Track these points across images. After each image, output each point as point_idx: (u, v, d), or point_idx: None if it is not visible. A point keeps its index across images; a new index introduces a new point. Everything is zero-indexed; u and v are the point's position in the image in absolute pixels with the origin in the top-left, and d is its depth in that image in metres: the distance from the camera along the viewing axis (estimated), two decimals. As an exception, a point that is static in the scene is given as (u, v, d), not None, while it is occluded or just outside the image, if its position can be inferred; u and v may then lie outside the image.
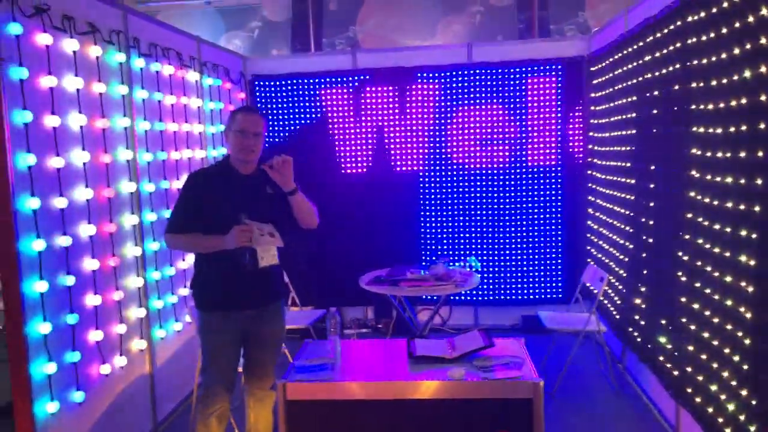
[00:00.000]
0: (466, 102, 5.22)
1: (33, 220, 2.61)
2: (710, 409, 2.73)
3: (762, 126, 2.25)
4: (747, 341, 2.38)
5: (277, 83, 5.38)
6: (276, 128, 5.46)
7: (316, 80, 5.32)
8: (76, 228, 2.92)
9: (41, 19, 2.69)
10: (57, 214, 2.78)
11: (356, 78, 5.29)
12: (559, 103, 5.13)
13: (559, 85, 5.11)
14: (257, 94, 5.41)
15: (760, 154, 2.26)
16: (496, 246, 5.30)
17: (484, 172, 5.28)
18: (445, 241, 5.39)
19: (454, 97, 5.22)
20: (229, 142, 2.78)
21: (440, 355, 2.53)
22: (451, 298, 5.13)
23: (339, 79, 5.31)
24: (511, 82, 5.15)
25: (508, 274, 5.31)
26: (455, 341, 2.68)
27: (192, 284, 2.86)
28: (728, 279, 2.53)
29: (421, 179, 5.35)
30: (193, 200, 2.72)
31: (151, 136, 3.67)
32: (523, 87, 5.15)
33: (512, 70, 5.13)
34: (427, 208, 5.37)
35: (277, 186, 2.78)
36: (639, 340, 3.79)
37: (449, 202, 5.34)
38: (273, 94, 5.40)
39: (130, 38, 3.44)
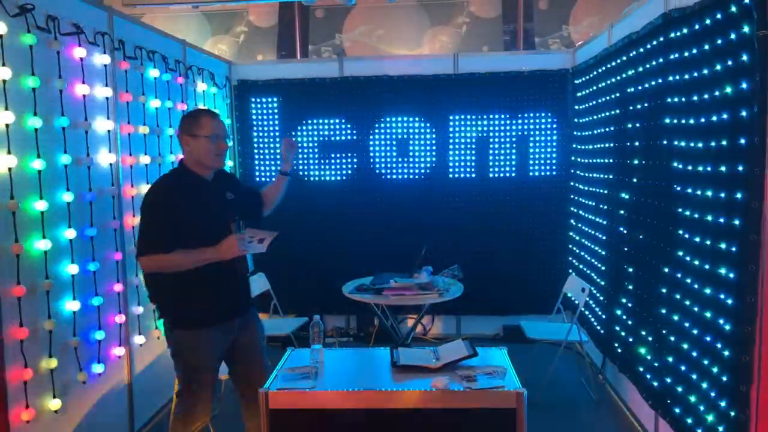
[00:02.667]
0: (451, 111, 5.25)
1: (11, 223, 2.55)
2: (689, 420, 2.76)
3: (742, 141, 2.29)
4: (726, 353, 2.41)
5: (263, 89, 5.36)
6: (261, 134, 5.44)
7: (302, 87, 5.31)
8: (56, 231, 2.87)
9: (25, 19, 2.65)
10: (36, 217, 2.73)
11: (342, 86, 5.30)
12: (541, 115, 5.19)
13: (544, 96, 5.17)
14: (242, 99, 5.38)
15: (741, 168, 2.30)
16: (478, 256, 5.31)
17: (467, 182, 5.30)
18: (428, 250, 5.38)
19: (439, 106, 5.25)
20: (191, 146, 2.65)
21: (424, 365, 2.53)
22: (434, 306, 5.13)
23: (325, 87, 5.31)
24: (498, 93, 5.20)
25: (491, 284, 5.32)
26: (439, 351, 2.67)
27: (165, 304, 2.71)
28: (708, 291, 2.57)
29: (404, 187, 5.36)
30: (170, 216, 2.55)
31: (135, 140, 3.63)
32: (509, 98, 5.20)
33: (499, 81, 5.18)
34: (411, 216, 5.36)
35: (236, 190, 2.87)
36: (619, 350, 3.82)
37: (432, 211, 5.35)
38: (258, 100, 5.38)
39: (115, 41, 3.41)
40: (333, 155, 5.36)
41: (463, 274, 4.34)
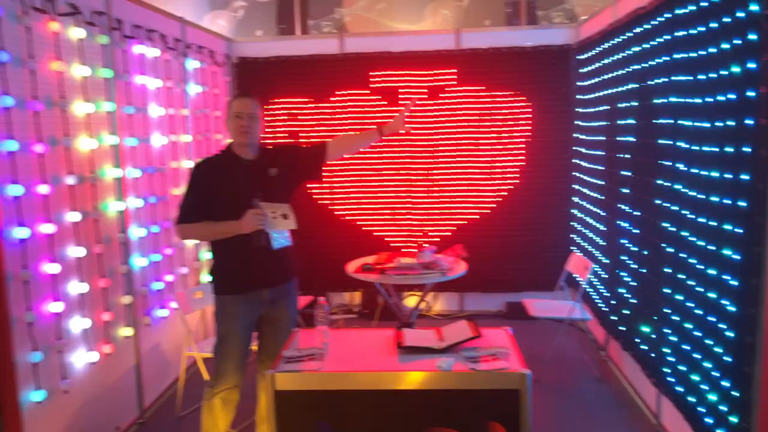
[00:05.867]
0: (450, 87, 5.20)
1: (16, 207, 2.55)
2: (692, 399, 2.79)
3: (749, 122, 2.26)
4: (730, 334, 2.42)
5: (263, 66, 5.30)
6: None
7: (302, 64, 5.25)
8: (59, 215, 2.87)
9: (21, 0, 2.61)
10: (39, 201, 2.73)
11: (343, 63, 5.24)
12: (543, 91, 5.14)
13: (547, 73, 5.11)
14: (242, 77, 5.32)
15: (747, 149, 2.28)
16: (481, 233, 5.32)
17: (469, 159, 5.28)
18: (431, 230, 5.39)
19: (442, 84, 5.20)
20: (228, 128, 2.87)
21: (429, 346, 2.55)
22: (438, 283, 5.16)
23: (326, 64, 5.25)
24: (497, 69, 5.14)
25: (494, 261, 5.34)
26: (443, 331, 2.69)
27: (210, 271, 2.93)
28: (712, 272, 2.57)
29: (403, 165, 5.34)
30: (201, 189, 2.79)
31: (136, 121, 3.60)
32: (507, 73, 5.14)
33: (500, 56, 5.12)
34: (414, 195, 5.36)
35: (280, 167, 2.90)
36: (622, 328, 3.85)
37: (435, 191, 5.34)
38: (258, 78, 5.33)
39: (113, 20, 3.36)
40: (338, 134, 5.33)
41: (467, 253, 4.35)
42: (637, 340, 3.52)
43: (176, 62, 4.16)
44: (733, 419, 2.40)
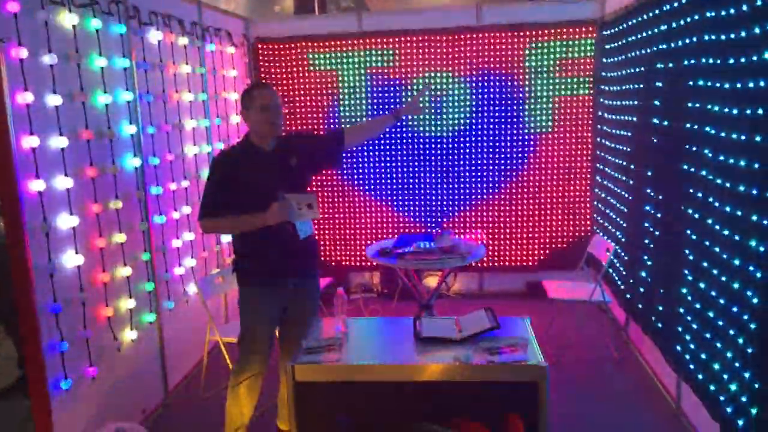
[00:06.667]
0: (472, 65, 5.11)
1: (38, 201, 2.60)
2: (712, 387, 2.77)
3: (779, 110, 2.19)
4: (752, 325, 2.38)
5: (281, 46, 5.26)
6: (279, 93, 5.37)
7: (321, 44, 5.20)
8: (81, 206, 2.91)
9: (38, -6, 2.61)
10: (62, 194, 2.77)
11: (361, 41, 5.17)
12: (566, 69, 5.02)
13: (571, 50, 4.99)
14: (261, 58, 5.29)
15: (776, 138, 2.21)
16: (501, 212, 5.29)
17: (489, 138, 5.21)
18: (451, 210, 5.37)
19: (462, 60, 5.11)
20: (250, 120, 2.82)
21: (447, 337, 2.56)
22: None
23: (344, 43, 5.18)
24: (518, 47, 5.03)
25: (514, 241, 5.32)
26: (462, 321, 2.69)
27: (234, 262, 2.97)
28: (736, 262, 2.52)
29: (430, 145, 5.29)
30: (224, 182, 2.78)
31: (155, 109, 3.62)
32: (528, 50, 5.03)
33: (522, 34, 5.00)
34: (434, 175, 5.32)
35: (299, 156, 2.90)
36: (642, 311, 3.81)
37: (455, 169, 5.29)
38: (277, 58, 5.29)
39: (129, 8, 3.34)
40: (356, 114, 5.29)
41: (486, 235, 4.33)
42: (659, 325, 3.49)
43: (193, 46, 4.14)
44: (753, 410, 2.38)
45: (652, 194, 3.64)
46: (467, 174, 5.28)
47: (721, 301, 2.66)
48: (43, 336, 2.60)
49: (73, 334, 2.81)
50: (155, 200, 3.60)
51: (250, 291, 2.91)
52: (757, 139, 2.34)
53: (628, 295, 4.14)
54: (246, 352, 2.93)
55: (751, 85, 2.38)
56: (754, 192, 2.36)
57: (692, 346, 2.99)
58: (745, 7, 2.43)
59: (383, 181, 5.37)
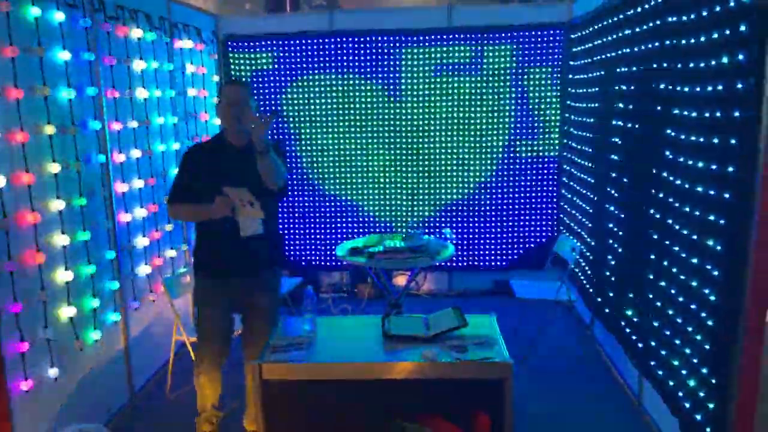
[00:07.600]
0: (442, 69, 5.15)
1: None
2: (672, 383, 2.85)
3: (736, 114, 2.26)
4: (710, 322, 2.46)
5: (251, 44, 5.22)
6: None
7: (291, 42, 5.17)
8: (44, 202, 2.85)
9: (-1, -15, 2.54)
10: (23, 190, 2.70)
11: (332, 40, 5.16)
12: (535, 71, 5.10)
13: (539, 52, 5.07)
14: (230, 55, 5.24)
15: (733, 141, 2.28)
16: (469, 213, 5.34)
17: (457, 140, 5.26)
18: (419, 210, 5.40)
19: (432, 63, 5.14)
20: (220, 114, 2.94)
21: (415, 335, 2.58)
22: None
23: (315, 41, 5.17)
24: (491, 48, 5.09)
25: (482, 241, 5.38)
26: (429, 320, 2.72)
27: (192, 252, 3.09)
28: (694, 261, 2.59)
29: (395, 146, 5.31)
30: (189, 172, 2.89)
31: (120, 105, 3.55)
32: (496, 52, 5.09)
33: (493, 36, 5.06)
34: (405, 175, 5.35)
35: None
36: (606, 310, 3.90)
37: (425, 170, 5.33)
38: (246, 56, 5.25)
39: (95, 1, 3.28)
40: (326, 114, 5.28)
41: (454, 233, 4.37)
42: (622, 323, 3.58)
43: (161, 42, 4.08)
44: (711, 405, 2.46)
45: (615, 195, 3.72)
46: (437, 175, 5.32)
47: (681, 299, 2.74)
48: (3, 336, 2.53)
49: (34, 334, 2.74)
50: (121, 197, 3.53)
51: (203, 282, 3.00)
52: (715, 141, 2.41)
53: (593, 294, 4.22)
54: (201, 342, 3.02)
55: (709, 88, 2.46)
56: (711, 192, 2.44)
57: (653, 344, 3.07)
58: (705, 13, 2.51)
59: (354, 181, 5.37)
